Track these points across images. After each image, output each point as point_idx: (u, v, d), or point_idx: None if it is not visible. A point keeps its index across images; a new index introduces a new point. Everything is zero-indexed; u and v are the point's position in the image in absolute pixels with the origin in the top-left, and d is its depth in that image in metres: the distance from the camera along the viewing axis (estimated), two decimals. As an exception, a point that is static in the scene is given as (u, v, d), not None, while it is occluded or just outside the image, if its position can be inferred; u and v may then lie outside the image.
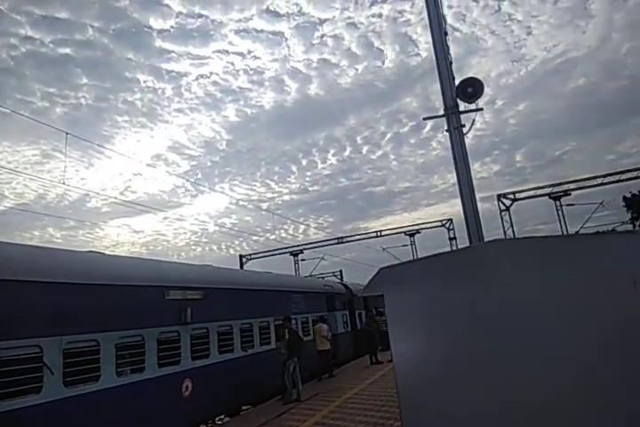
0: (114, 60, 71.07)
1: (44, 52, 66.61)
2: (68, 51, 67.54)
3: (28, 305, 6.42)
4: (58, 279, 6.97)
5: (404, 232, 32.45)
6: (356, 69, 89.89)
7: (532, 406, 3.10)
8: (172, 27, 73.61)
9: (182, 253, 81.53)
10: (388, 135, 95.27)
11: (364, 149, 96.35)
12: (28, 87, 67.16)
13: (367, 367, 16.70)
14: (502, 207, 25.15)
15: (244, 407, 11.93)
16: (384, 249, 34.40)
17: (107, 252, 9.97)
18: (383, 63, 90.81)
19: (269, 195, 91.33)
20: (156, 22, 74.02)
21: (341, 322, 19.60)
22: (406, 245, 32.81)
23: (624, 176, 24.95)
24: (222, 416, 11.44)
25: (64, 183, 14.15)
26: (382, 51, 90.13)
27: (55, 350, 6.54)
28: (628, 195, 42.06)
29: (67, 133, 12.65)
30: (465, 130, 7.71)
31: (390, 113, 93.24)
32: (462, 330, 3.29)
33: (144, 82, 75.96)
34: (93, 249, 9.69)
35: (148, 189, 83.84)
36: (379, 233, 32.30)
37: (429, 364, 3.33)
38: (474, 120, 7.77)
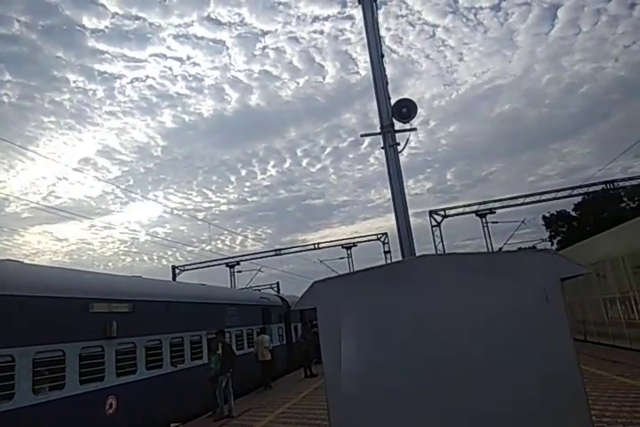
0: (41, 58, 67.56)
1: (-37, 45, 61.96)
2: (-9, 45, 63.24)
3: None
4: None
5: (342, 245, 33.02)
6: (298, 83, 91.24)
7: (462, 414, 3.27)
8: (106, 27, 71.31)
9: (110, 264, 77.63)
10: (328, 149, 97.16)
11: (304, 162, 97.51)
12: (-58, 81, 62.07)
13: (302, 381, 16.64)
14: (434, 223, 26.30)
15: (172, 425, 11.47)
16: (321, 261, 34.82)
17: (26, 260, 9.34)
18: (324, 78, 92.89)
19: (206, 204, 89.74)
20: (89, 21, 71.51)
21: (277, 335, 19.46)
22: (343, 258, 33.39)
23: (544, 197, 27.01)
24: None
25: (-19, 187, 13.17)
26: (323, 66, 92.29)
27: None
28: (547, 214, 45.37)
29: (-14, 133, 11.79)
30: (400, 148, 8.02)
31: (330, 128, 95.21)
32: (392, 342, 3.42)
33: (74, 82, 72.73)
34: (10, 257, 9.04)
35: (73, 195, 79.61)
36: (316, 245, 32.68)
37: (359, 377, 3.42)
38: (408, 139, 8.12)
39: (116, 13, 73.06)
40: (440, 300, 3.37)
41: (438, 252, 23.94)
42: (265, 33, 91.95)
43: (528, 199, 26.90)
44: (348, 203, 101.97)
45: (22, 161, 69.98)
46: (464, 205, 27.50)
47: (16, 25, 61.81)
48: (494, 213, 27.09)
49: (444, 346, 3.35)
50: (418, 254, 5.89)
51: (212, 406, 11.49)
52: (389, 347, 3.46)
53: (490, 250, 24.61)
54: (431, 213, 26.52)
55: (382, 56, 8.00)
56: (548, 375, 3.15)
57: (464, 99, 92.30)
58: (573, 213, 44.88)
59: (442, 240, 26.13)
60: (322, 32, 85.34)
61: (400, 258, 7.70)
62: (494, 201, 27.30)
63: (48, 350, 7.51)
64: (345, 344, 3.40)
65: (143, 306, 10.28)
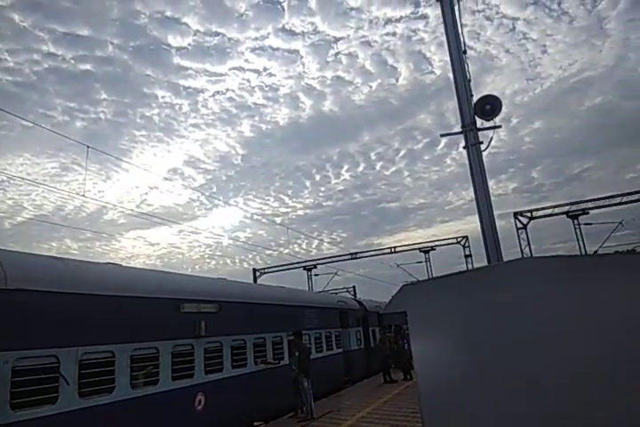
0: (132, 77, 72.87)
1: (65, 68, 68.50)
2: (88, 67, 69.30)
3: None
4: (79, 290, 7.04)
5: (419, 249, 32.14)
6: (370, 86, 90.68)
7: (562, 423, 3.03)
8: (189, 44, 75.31)
9: (196, 266, 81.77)
10: (402, 151, 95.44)
11: (378, 165, 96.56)
12: (49, 102, 69.04)
13: (381, 386, 16.41)
14: (519, 225, 24.84)
15: (255, 423, 11.76)
16: (398, 265, 34.17)
17: (123, 263, 10.06)
18: (397, 80, 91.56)
19: (283, 209, 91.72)
20: (174, 40, 76.02)
21: (355, 339, 19.37)
22: (421, 262, 32.49)
23: (645, 195, 24.50)
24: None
25: (83, 195, 14.45)
26: (396, 68, 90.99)
27: (71, 361, 6.55)
28: (649, 214, 41.25)
29: (87, 147, 12.74)
30: (483, 147, 7.73)
31: (404, 130, 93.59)
32: (486, 346, 3.23)
33: (162, 97, 77.59)
34: (110, 261, 9.77)
35: (163, 202, 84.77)
36: (393, 249, 32.05)
37: (453, 380, 3.26)
38: (492, 137, 7.81)
39: (198, 31, 76.92)
40: (541, 304, 3.13)
41: (525, 256, 22.63)
42: (337, 39, 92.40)
43: (626, 198, 24.58)
44: (425, 206, 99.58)
45: (118, 172, 76.03)
46: (553, 206, 25.65)
47: (110, 47, 67.34)
48: (587, 213, 25.03)
49: (544, 352, 3.12)
50: (509, 258, 5.57)
51: (294, 407, 11.65)
52: (483, 352, 3.27)
53: (583, 254, 22.78)
54: (516, 214, 25.08)
55: (465, 52, 7.73)
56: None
57: (549, 93, 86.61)
58: (680, 213, 40.51)
59: (529, 244, 24.62)
60: (394, 34, 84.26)
61: (484, 263, 7.35)
62: (588, 201, 25.21)
63: (143, 347, 8.00)
64: (437, 348, 3.26)
65: (229, 307, 10.65)
